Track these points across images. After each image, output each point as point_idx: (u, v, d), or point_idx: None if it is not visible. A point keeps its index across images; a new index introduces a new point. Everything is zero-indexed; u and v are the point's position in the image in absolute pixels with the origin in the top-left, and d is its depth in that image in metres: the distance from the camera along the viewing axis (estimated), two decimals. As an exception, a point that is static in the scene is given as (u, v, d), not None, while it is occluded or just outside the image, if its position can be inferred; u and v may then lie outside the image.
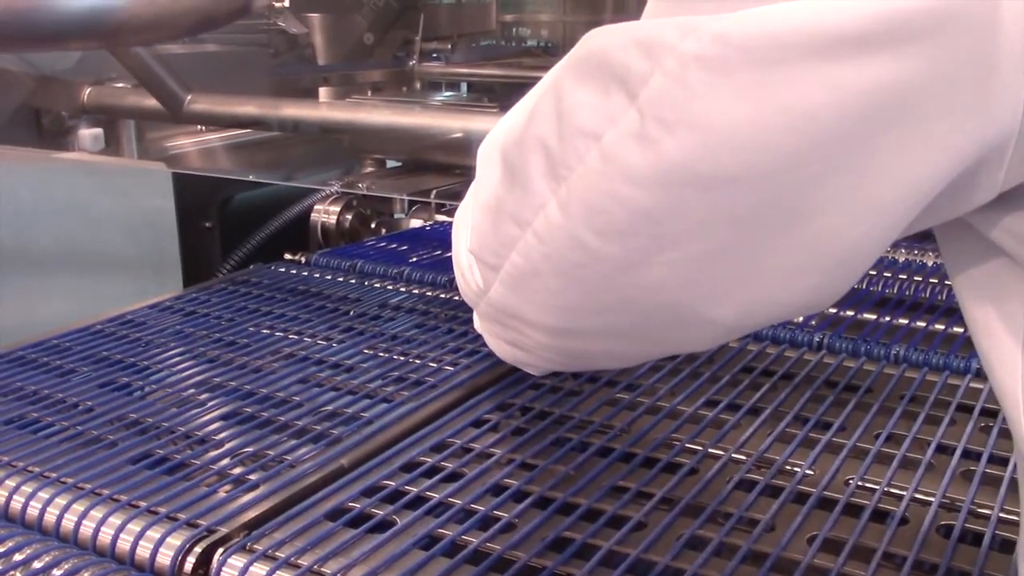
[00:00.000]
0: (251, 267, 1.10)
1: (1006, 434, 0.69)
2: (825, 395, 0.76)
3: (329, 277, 1.05)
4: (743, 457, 0.66)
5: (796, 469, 0.64)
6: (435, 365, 0.82)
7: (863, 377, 0.79)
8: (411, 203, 1.44)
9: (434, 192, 1.40)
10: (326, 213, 1.37)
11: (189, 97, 1.22)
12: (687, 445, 0.68)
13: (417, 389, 0.77)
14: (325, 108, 1.25)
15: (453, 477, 0.63)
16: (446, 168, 1.59)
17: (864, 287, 1.02)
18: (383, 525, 0.58)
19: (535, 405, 0.74)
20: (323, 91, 1.99)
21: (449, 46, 1.85)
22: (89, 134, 1.38)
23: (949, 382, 0.78)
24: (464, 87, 2.20)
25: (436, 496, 0.61)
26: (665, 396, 0.76)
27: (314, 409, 0.73)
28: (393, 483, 0.63)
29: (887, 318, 0.92)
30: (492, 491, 0.62)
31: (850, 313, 0.93)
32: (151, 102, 1.24)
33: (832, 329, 0.88)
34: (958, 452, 0.67)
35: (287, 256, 1.14)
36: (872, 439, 0.69)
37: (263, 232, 1.54)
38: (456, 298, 0.98)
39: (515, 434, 0.69)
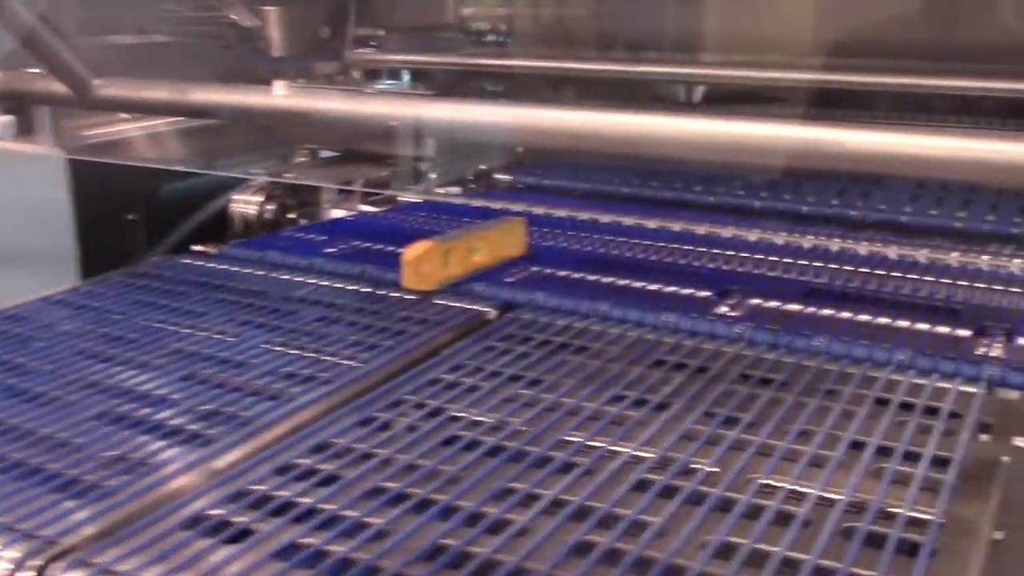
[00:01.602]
0: (153, 259, 1.04)
1: (924, 429, 0.66)
2: (738, 390, 0.72)
3: (236, 269, 1.00)
4: (644, 456, 0.62)
5: (699, 468, 0.60)
6: (331, 359, 0.77)
7: (780, 370, 0.75)
8: (341, 192, 1.39)
9: (360, 182, 1.35)
10: (246, 203, 1.32)
11: (97, 82, 1.16)
12: (587, 444, 0.64)
13: (307, 386, 0.72)
14: (239, 94, 1.20)
15: (329, 480, 0.59)
16: (380, 158, 1.54)
17: (793, 277, 0.99)
18: (243, 534, 0.53)
19: (431, 401, 0.70)
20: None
21: (383, 32, 1.80)
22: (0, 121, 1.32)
23: (869, 374, 0.75)
24: (406, 76, 2.14)
25: (308, 501, 0.56)
26: (569, 392, 0.71)
27: (191, 408, 0.68)
28: (263, 487, 0.58)
29: (812, 309, 0.88)
30: (368, 495, 0.57)
31: (774, 304, 0.90)
32: (61, 87, 1.18)
33: (755, 321, 0.85)
34: (871, 449, 0.63)
35: (196, 247, 1.09)
36: (782, 435, 0.65)
37: (188, 224, 1.48)
38: (364, 289, 0.93)
39: (404, 433, 0.65)
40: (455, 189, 1.44)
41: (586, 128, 0.99)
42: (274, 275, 0.98)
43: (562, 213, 1.26)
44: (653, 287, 0.95)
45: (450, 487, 0.58)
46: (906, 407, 0.69)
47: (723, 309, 0.89)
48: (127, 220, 1.55)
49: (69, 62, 1.15)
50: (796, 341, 0.81)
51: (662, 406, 0.69)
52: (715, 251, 1.08)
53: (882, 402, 0.70)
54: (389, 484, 0.58)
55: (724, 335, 0.83)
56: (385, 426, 0.66)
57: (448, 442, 0.64)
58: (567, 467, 0.61)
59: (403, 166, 1.52)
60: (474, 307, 0.89)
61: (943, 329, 0.83)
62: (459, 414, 0.68)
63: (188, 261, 1.03)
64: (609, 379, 0.73)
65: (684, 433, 0.65)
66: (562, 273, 0.99)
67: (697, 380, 0.73)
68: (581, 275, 0.98)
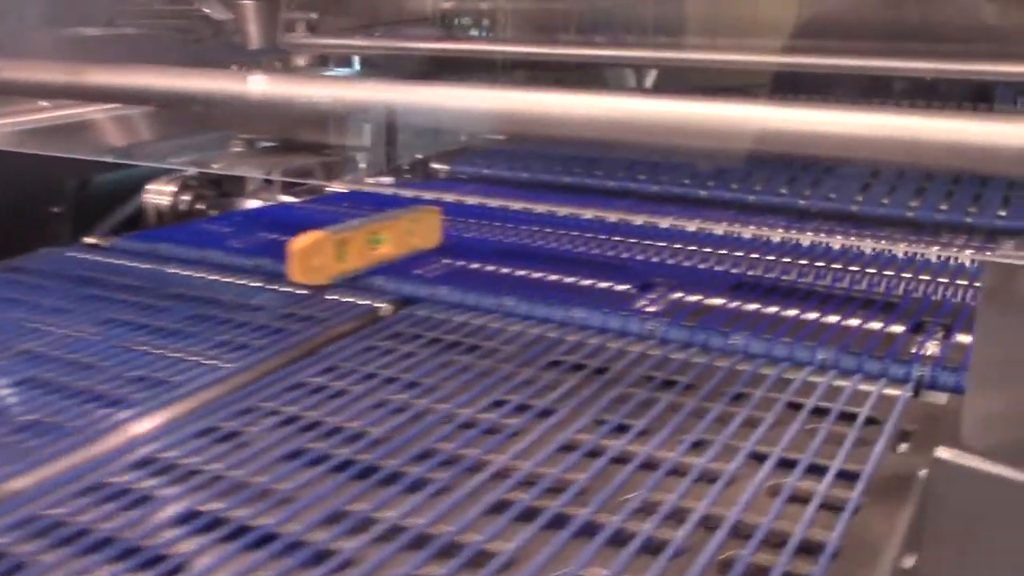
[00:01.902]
0: (37, 252, 0.96)
1: (834, 439, 0.58)
2: (635, 393, 0.64)
3: (121, 262, 0.93)
4: (512, 471, 0.54)
5: (570, 485, 0.53)
6: (192, 360, 0.69)
7: (687, 371, 0.68)
8: (265, 183, 1.32)
9: (279, 172, 1.27)
10: (159, 194, 1.24)
11: (-11, 63, 1.08)
12: (450, 456, 0.56)
13: (154, 391, 0.64)
14: (146, 76, 1.11)
15: (139, 502, 0.51)
16: (319, 147, 1.46)
17: (725, 269, 0.91)
18: (15, 568, 0.46)
19: (287, 409, 0.62)
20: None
21: (315, 16, 1.73)
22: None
23: (785, 375, 0.67)
24: (357, 65, 2.06)
25: (107, 527, 0.49)
26: (447, 396, 0.64)
27: (14, 417, 0.60)
28: (57, 512, 0.50)
29: (737, 303, 0.81)
30: (177, 521, 0.49)
31: (697, 298, 0.82)
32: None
33: (671, 316, 0.77)
34: (771, 461, 0.55)
35: (86, 240, 1.01)
36: (674, 446, 0.57)
37: (115, 216, 1.41)
38: (252, 284, 0.85)
39: (242, 447, 0.57)
40: (387, 179, 1.36)
41: (584, 112, 0.88)
42: (160, 269, 0.90)
43: (494, 203, 1.18)
44: (569, 280, 0.87)
45: (277, 510, 0.50)
46: (820, 412, 0.62)
47: (641, 303, 0.82)
48: (52, 213, 1.48)
49: (-43, 42, 1.07)
50: (712, 339, 0.73)
51: (546, 412, 0.62)
52: (648, 242, 1.00)
53: (794, 407, 0.63)
54: (205, 507, 0.50)
55: (635, 332, 0.75)
56: (228, 437, 0.59)
57: (293, 456, 0.56)
58: (419, 484, 0.53)
59: (338, 155, 1.44)
60: (367, 303, 0.81)
61: (876, 325, 0.75)
62: (316, 422, 0.60)
63: (73, 254, 0.95)
64: (495, 382, 0.66)
65: (564, 443, 0.58)
66: (475, 266, 0.92)
67: (593, 382, 0.66)
68: (495, 268, 0.91)
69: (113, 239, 1.00)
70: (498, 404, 0.63)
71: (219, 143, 1.57)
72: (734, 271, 0.91)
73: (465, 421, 0.60)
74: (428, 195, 1.24)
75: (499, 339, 0.73)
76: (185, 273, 0.89)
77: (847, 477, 0.54)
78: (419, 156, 1.43)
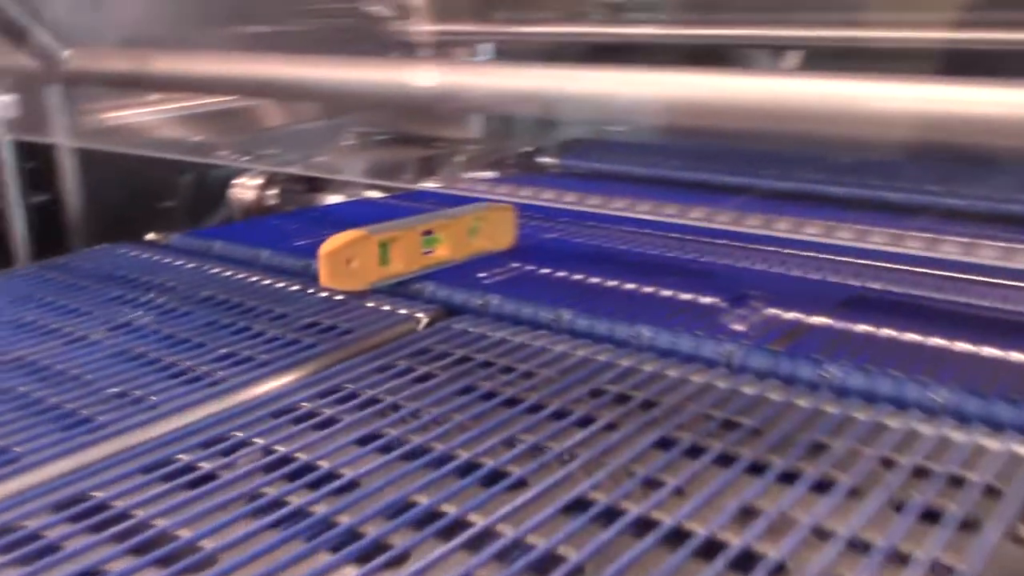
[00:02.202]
0: (89, 249, 0.91)
1: (930, 515, 0.44)
2: (681, 438, 0.51)
3: (168, 261, 0.86)
4: (492, 536, 0.43)
5: (561, 564, 0.41)
6: (181, 377, 0.61)
7: (757, 410, 0.54)
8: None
9: (358, 169, 1.19)
10: (244, 189, 1.18)
11: (67, 53, 1.04)
12: (429, 511, 0.45)
13: (120, 414, 0.56)
14: (231, 63, 1.04)
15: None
16: (430, 141, 1.38)
17: (836, 280, 0.76)
18: None
19: (258, 441, 0.52)
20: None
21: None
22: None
23: (882, 420, 0.52)
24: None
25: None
26: (444, 435, 0.53)
27: (-41, 433, 0.53)
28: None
29: (843, 324, 0.66)
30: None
31: (792, 316, 0.68)
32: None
33: (753, 338, 0.63)
34: (835, 545, 0.42)
35: (149, 236, 0.95)
36: (712, 514, 0.44)
37: (220, 212, 1.37)
38: (292, 288, 0.77)
39: (194, 485, 0.48)
40: (487, 174, 1.26)
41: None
42: (202, 268, 0.83)
43: (594, 201, 1.06)
44: (648, 290, 0.74)
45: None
46: (919, 474, 0.47)
47: (726, 320, 0.68)
48: (164, 207, 1.45)
49: (33, 31, 1.03)
50: (800, 368, 0.59)
51: (562, 458, 0.50)
52: (756, 247, 0.86)
53: (887, 463, 0.48)
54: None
55: (708, 357, 0.62)
56: (178, 473, 0.49)
57: (249, 498, 0.46)
58: (378, 549, 0.42)
59: (449, 148, 1.34)
60: (405, 312, 0.71)
61: (1020, 356, 0.60)
62: (287, 458, 0.50)
63: (124, 251, 0.89)
64: (511, 416, 0.54)
65: (570, 501, 0.45)
66: (545, 271, 0.80)
67: (633, 420, 0.53)
68: (566, 274, 0.79)
69: (172, 236, 0.93)
70: (507, 445, 0.51)
71: (332, 135, 1.51)
72: (853, 282, 0.76)
73: (458, 467, 0.49)
74: (525, 192, 1.13)
75: (537, 360, 0.62)
76: (226, 274, 0.81)
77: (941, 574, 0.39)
78: (527, 149, 1.32)
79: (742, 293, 0.73)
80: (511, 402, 0.56)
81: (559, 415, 0.54)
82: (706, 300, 0.72)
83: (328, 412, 0.55)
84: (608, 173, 1.21)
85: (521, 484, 0.47)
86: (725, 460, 0.49)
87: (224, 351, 0.64)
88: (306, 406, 0.56)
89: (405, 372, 0.60)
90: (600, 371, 0.60)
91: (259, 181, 1.17)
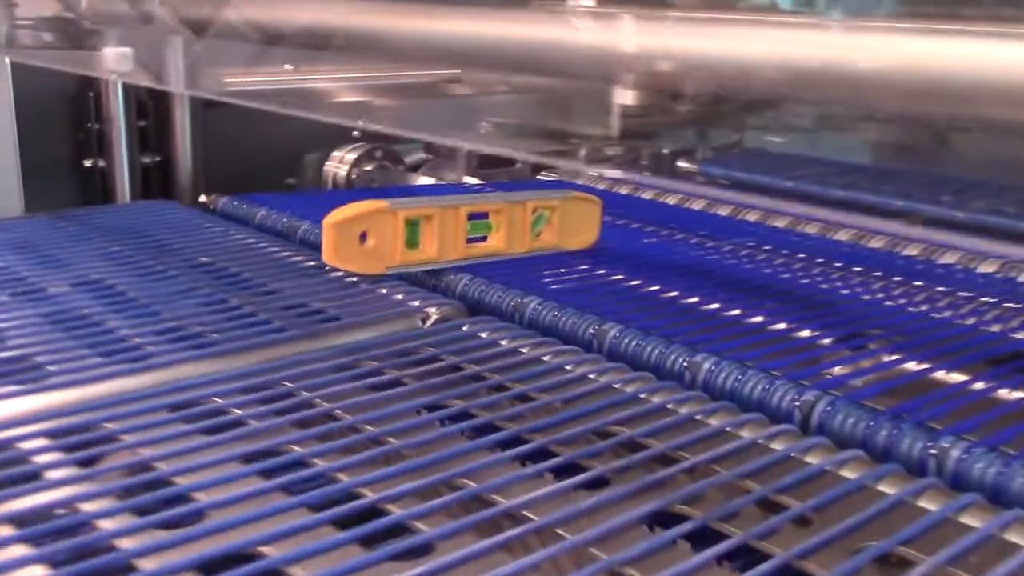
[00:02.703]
0: (130, 203, 0.82)
1: None
2: (691, 515, 0.35)
3: (197, 221, 0.75)
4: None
5: None
6: (121, 344, 0.49)
7: (810, 490, 0.37)
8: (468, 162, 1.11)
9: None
10: (340, 163, 1.08)
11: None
12: None
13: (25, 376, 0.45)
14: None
15: None
16: (565, 136, 1.24)
17: (995, 327, 0.57)
18: None
19: (126, 438, 0.40)
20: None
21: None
22: (114, 53, 1.17)
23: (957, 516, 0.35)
24: None
25: None
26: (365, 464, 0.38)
27: None
28: None
29: (983, 384, 0.48)
30: None
31: (918, 367, 0.50)
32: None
33: (847, 388, 0.46)
34: None
35: (201, 199, 0.86)
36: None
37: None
38: (308, 263, 0.65)
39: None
40: (614, 172, 1.10)
41: None
42: (226, 233, 0.72)
43: (724, 211, 0.90)
44: (732, 313, 0.57)
45: None
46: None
47: (824, 360, 0.51)
48: (285, 185, 1.38)
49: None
50: (908, 436, 0.41)
51: (516, 517, 0.35)
52: (900, 278, 0.67)
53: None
54: None
55: (778, 405, 0.45)
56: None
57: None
58: None
59: (580, 144, 1.20)
60: (417, 304, 0.57)
61: None
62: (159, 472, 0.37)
63: (167, 210, 0.80)
64: (468, 451, 0.39)
65: (476, 591, 0.30)
66: (616, 277, 0.65)
67: (631, 481, 0.37)
68: (640, 283, 0.63)
69: (224, 198, 0.84)
70: (422, 496, 0.36)
71: (468, 118, 1.40)
72: (1014, 330, 0.57)
73: (345, 513, 0.35)
74: (647, 194, 0.98)
75: (543, 382, 0.46)
76: (245, 241, 0.70)
77: None
78: (665, 151, 1.16)
79: (864, 331, 0.56)
80: (480, 430, 0.41)
81: (534, 457, 0.39)
82: (805, 333, 0.55)
83: (244, 412, 0.42)
84: (749, 184, 1.03)
85: (426, 550, 0.32)
86: (744, 560, 0.33)
87: (181, 323, 0.52)
88: (220, 402, 0.43)
89: (361, 376, 0.47)
90: (620, 406, 0.44)
91: (355, 156, 1.07)
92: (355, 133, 1.15)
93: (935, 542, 0.34)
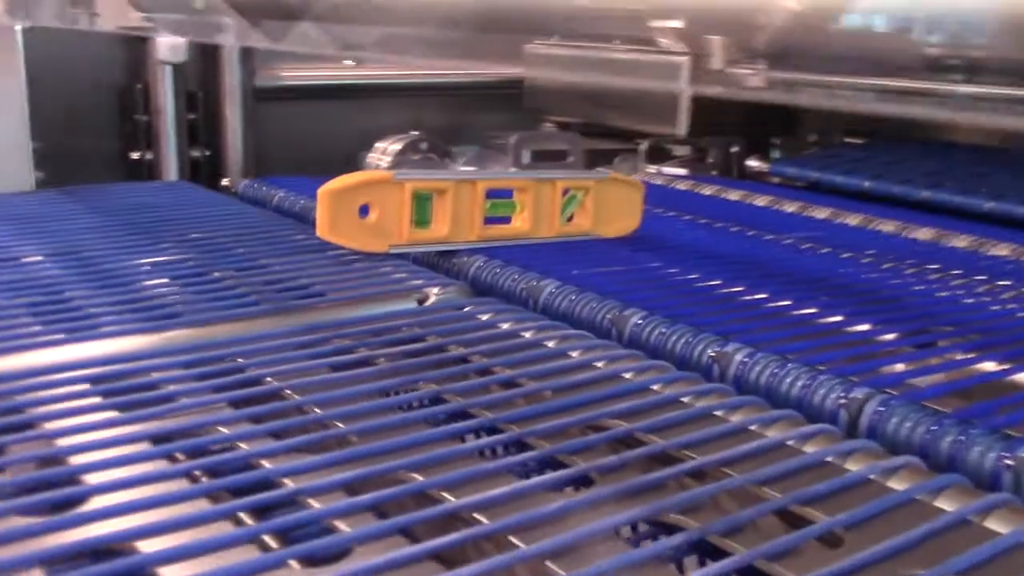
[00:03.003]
0: (151, 183, 0.78)
1: None
2: (683, 527, 0.28)
3: (214, 203, 0.70)
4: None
5: None
6: (81, 313, 0.44)
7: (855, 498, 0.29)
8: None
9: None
10: (383, 154, 1.02)
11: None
12: None
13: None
14: None
15: None
16: (632, 134, 1.17)
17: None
18: None
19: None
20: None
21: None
22: (167, 42, 1.14)
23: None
24: None
25: None
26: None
27: None
28: None
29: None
30: None
31: (989, 367, 0.41)
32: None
33: (903, 387, 0.38)
34: None
35: (224, 181, 0.81)
36: None
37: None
38: (308, 241, 0.59)
39: None
40: (678, 170, 1.03)
41: None
42: (238, 212, 0.66)
43: (789, 208, 0.82)
44: (781, 303, 0.50)
45: None
46: None
47: (885, 354, 0.43)
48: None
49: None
50: (976, 443, 0.33)
51: (406, 534, 0.28)
52: (978, 278, 0.58)
53: None
54: None
55: (821, 404, 0.37)
56: None
57: None
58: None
59: (647, 142, 1.13)
60: (419, 283, 0.50)
61: None
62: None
63: (186, 190, 0.75)
64: (404, 445, 0.32)
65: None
66: (654, 265, 0.57)
67: (621, 479, 0.30)
68: (678, 272, 0.56)
69: (245, 181, 0.79)
70: (351, 491, 0.29)
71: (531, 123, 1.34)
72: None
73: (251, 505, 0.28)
74: (707, 190, 0.90)
75: (533, 367, 0.39)
76: (253, 220, 0.64)
77: None
78: (734, 149, 1.08)
79: (931, 326, 0.47)
80: (450, 418, 0.34)
81: (505, 449, 0.32)
82: (862, 327, 0.46)
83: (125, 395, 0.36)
84: (823, 185, 0.95)
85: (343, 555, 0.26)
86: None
87: (128, 296, 0.47)
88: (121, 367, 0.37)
89: (326, 355, 0.40)
90: (623, 397, 0.37)
91: (399, 147, 1.01)
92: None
93: (1006, 573, 0.26)
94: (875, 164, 0.96)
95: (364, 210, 0.54)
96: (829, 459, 0.32)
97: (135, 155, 1.16)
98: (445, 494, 0.29)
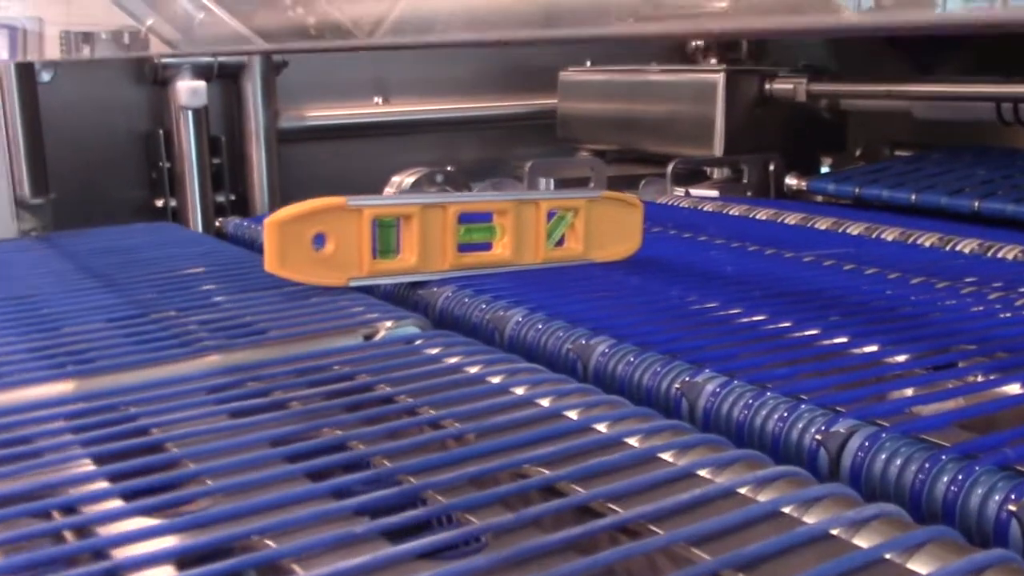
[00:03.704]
0: (140, 224, 0.75)
1: None
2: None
3: (193, 242, 0.67)
4: None
5: None
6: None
7: None
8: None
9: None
10: (398, 189, 0.98)
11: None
12: None
13: None
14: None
15: None
16: (665, 158, 1.12)
17: None
18: None
19: None
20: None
21: None
22: (187, 87, 1.12)
23: None
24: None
25: None
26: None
27: None
28: None
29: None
30: None
31: (1011, 391, 0.35)
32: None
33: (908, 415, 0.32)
34: None
35: (218, 222, 0.78)
36: None
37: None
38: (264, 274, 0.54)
39: None
40: (710, 192, 0.97)
41: None
42: (210, 251, 0.63)
43: (822, 225, 0.75)
44: (780, 325, 0.43)
45: None
46: None
47: (894, 378, 0.37)
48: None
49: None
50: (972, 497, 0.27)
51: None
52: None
53: None
54: None
55: (797, 440, 0.31)
56: None
57: None
58: None
59: (682, 165, 1.07)
60: (369, 317, 0.46)
61: None
62: None
63: (171, 231, 0.72)
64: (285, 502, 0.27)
65: None
66: (648, 289, 0.52)
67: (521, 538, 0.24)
68: (678, 297, 0.50)
69: (235, 220, 0.75)
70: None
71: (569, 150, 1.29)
72: None
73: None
74: (735, 210, 0.84)
75: (464, 406, 0.34)
76: (222, 256, 0.60)
77: None
78: (771, 168, 1.01)
79: (944, 347, 0.41)
80: (349, 467, 0.29)
81: (387, 509, 0.27)
82: (869, 348, 0.40)
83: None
84: (867, 201, 0.88)
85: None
86: None
87: (47, 343, 0.43)
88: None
89: (234, 399, 0.35)
90: (551, 440, 0.31)
91: (413, 179, 0.97)
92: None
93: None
94: (923, 176, 0.89)
95: (320, 240, 0.49)
96: (786, 510, 0.26)
97: (159, 203, 1.14)
98: (295, 566, 0.24)
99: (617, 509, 0.26)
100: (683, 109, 1.14)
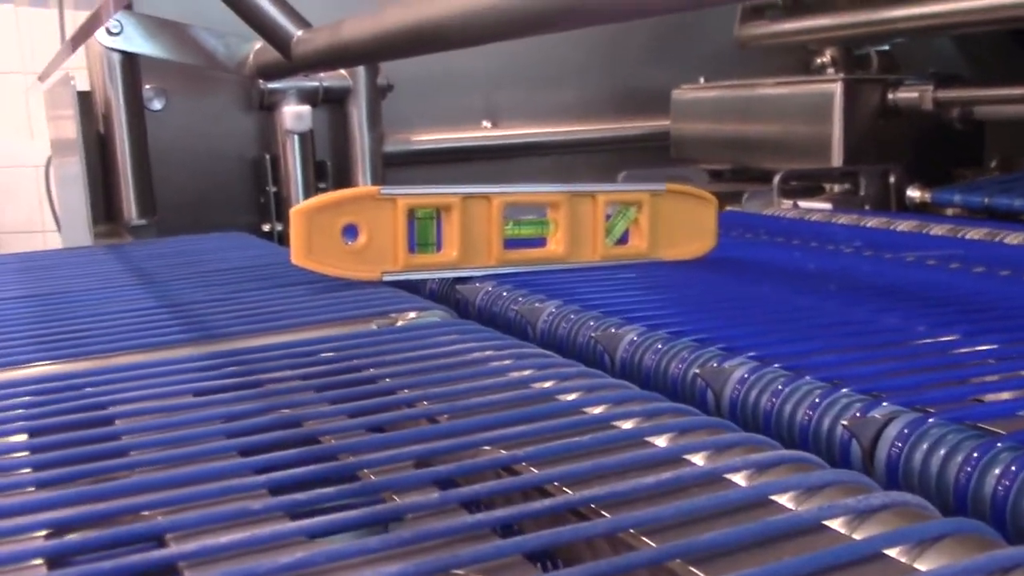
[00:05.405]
0: (212, 235, 0.74)
1: None
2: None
3: (251, 247, 0.66)
4: None
5: None
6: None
7: None
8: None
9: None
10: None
11: (300, 35, 0.89)
12: None
13: None
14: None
15: None
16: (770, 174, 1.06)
17: None
18: None
19: None
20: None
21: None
22: (292, 112, 1.13)
23: None
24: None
25: None
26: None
27: None
28: None
29: None
30: None
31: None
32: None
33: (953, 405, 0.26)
34: None
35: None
36: None
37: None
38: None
39: None
40: (822, 205, 0.91)
41: None
42: (261, 255, 0.61)
43: (937, 231, 0.69)
44: (854, 315, 0.38)
45: None
46: None
47: (958, 354, 0.31)
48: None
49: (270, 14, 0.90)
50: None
51: None
52: None
53: None
54: None
55: (821, 441, 0.26)
56: None
57: None
58: None
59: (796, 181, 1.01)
60: (390, 308, 0.42)
61: None
62: None
63: (235, 239, 0.71)
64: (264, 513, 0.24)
65: None
66: (715, 285, 0.47)
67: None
68: (749, 289, 0.45)
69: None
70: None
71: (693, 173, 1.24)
72: None
73: None
74: (844, 219, 0.77)
75: (438, 388, 0.30)
76: (271, 258, 0.59)
77: None
78: (891, 179, 0.94)
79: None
80: (287, 445, 0.26)
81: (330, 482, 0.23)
82: (948, 337, 0.34)
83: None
84: (1000, 210, 0.80)
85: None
86: None
87: (76, 326, 0.41)
88: None
89: (201, 380, 0.32)
90: (529, 421, 0.27)
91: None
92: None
93: None
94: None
95: (352, 233, 0.46)
96: (774, 497, 0.21)
97: (266, 227, 1.15)
98: (173, 542, 0.20)
99: (568, 491, 0.22)
100: (799, 122, 1.07)
